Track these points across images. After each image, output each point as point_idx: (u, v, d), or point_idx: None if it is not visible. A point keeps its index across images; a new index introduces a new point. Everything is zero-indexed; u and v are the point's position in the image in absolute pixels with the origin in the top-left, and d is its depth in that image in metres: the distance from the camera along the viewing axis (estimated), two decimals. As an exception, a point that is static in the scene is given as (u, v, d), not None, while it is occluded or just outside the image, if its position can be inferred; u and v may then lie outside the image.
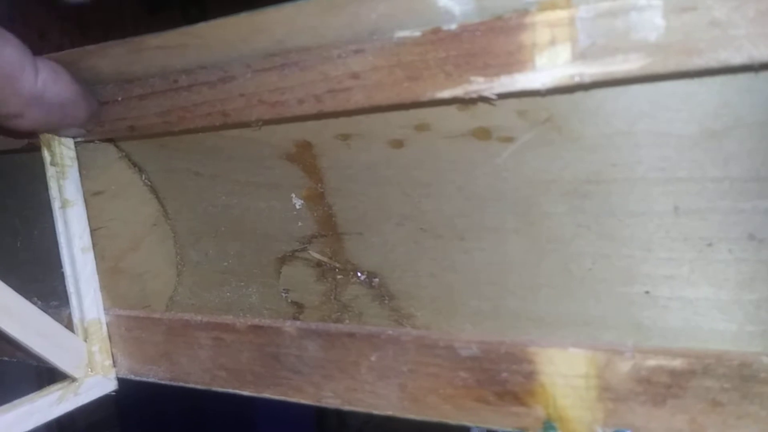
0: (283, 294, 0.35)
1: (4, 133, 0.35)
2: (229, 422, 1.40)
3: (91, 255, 0.35)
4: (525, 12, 0.22)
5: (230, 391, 0.33)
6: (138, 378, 0.36)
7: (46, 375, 1.47)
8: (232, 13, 0.27)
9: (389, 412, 0.28)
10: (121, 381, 0.37)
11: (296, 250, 0.34)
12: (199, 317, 0.33)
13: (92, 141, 0.35)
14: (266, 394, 0.31)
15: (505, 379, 0.26)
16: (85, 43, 0.32)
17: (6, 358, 0.39)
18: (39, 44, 0.29)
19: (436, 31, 0.24)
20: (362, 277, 0.32)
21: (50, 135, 0.34)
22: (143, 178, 0.37)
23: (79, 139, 0.34)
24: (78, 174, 0.35)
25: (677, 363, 0.23)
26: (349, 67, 0.26)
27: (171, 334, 0.34)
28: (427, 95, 0.25)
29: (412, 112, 0.27)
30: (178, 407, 1.41)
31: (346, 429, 1.82)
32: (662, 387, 0.23)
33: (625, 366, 0.24)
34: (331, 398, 0.30)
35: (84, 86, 0.31)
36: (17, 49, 0.28)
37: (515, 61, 0.23)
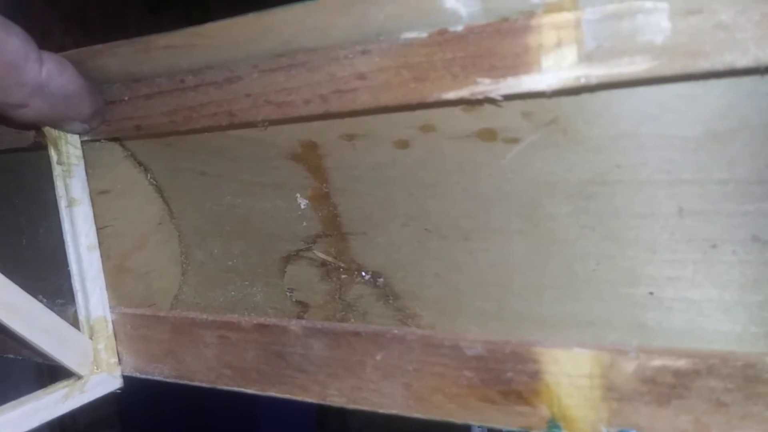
0: (287, 293, 0.35)
1: (8, 123, 0.35)
2: (231, 423, 1.40)
3: (97, 253, 0.36)
4: (531, 14, 0.23)
5: (235, 389, 0.33)
6: (143, 376, 0.36)
7: (47, 374, 1.47)
8: (236, 14, 0.27)
9: (394, 411, 0.29)
10: (123, 379, 0.37)
11: (301, 250, 0.34)
12: (204, 316, 0.34)
13: (98, 140, 0.35)
14: (271, 393, 0.32)
15: (510, 378, 0.26)
16: (87, 43, 0.32)
17: (12, 356, 0.39)
18: (41, 43, 0.29)
19: (443, 32, 0.24)
20: (367, 277, 0.32)
21: (57, 133, 0.34)
22: (149, 177, 0.37)
23: (85, 138, 0.35)
24: (84, 173, 0.35)
25: (681, 363, 0.23)
26: (356, 68, 0.26)
27: (176, 332, 0.34)
28: (434, 96, 0.25)
29: (418, 113, 0.27)
30: (178, 406, 1.41)
31: (347, 430, 1.82)
32: (667, 387, 0.24)
33: (629, 366, 0.24)
34: (336, 397, 0.30)
35: (90, 82, 0.31)
36: (22, 39, 0.28)
37: (521, 63, 0.23)
